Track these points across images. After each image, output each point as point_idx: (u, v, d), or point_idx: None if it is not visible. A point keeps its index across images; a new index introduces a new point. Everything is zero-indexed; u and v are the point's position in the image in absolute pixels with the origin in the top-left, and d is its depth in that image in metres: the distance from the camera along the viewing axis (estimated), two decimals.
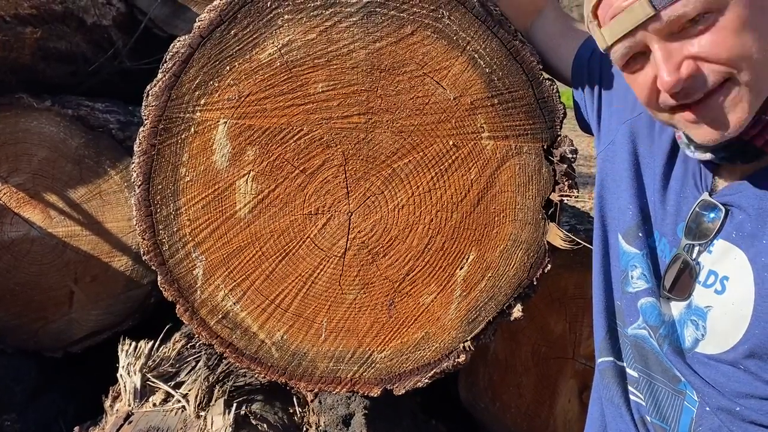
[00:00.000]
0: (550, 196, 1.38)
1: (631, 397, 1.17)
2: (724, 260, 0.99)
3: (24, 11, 1.91)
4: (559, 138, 1.37)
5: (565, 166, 1.37)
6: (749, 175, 0.99)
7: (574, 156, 1.37)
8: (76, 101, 2.07)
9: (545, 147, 1.37)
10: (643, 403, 1.13)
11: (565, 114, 1.37)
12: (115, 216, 2.00)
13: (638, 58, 0.95)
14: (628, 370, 1.19)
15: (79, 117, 1.98)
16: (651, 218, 1.14)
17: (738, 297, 0.96)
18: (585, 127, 1.38)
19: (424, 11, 1.31)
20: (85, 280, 2.03)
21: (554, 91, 1.35)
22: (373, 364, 1.46)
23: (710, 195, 1.02)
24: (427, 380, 1.45)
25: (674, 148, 1.10)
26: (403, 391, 1.46)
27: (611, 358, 1.22)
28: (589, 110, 1.31)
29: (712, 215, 1.01)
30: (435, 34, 1.32)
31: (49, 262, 2.00)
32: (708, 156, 1.00)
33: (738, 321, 0.96)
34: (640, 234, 1.14)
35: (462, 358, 1.43)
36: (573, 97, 1.38)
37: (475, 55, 1.33)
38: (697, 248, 1.03)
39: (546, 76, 1.35)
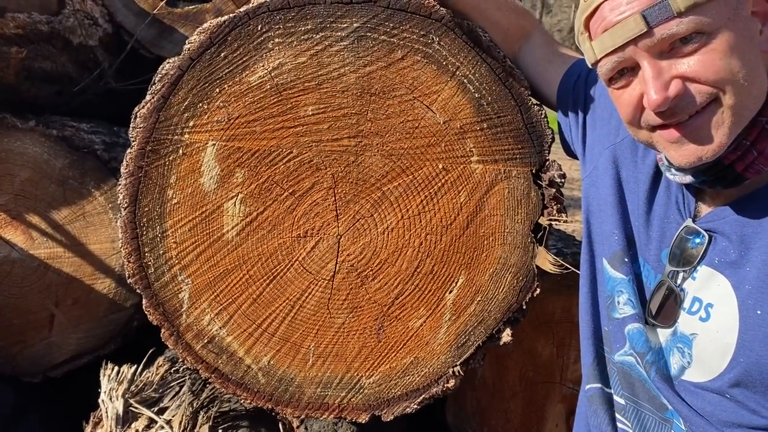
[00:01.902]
0: (539, 220, 1.38)
1: (619, 424, 1.16)
2: (708, 287, 0.99)
3: (10, 31, 1.89)
4: (547, 162, 1.38)
5: (554, 190, 1.37)
6: (732, 201, 0.99)
7: (563, 180, 1.37)
8: (61, 122, 2.05)
9: (534, 171, 1.38)
10: (631, 431, 1.12)
11: (553, 139, 1.38)
12: (99, 238, 1.97)
13: (625, 73, 0.95)
14: (615, 398, 1.18)
15: (63, 137, 1.96)
16: (635, 243, 1.14)
17: (722, 324, 0.96)
18: (570, 152, 1.39)
19: (414, 36, 1.32)
20: (67, 303, 1.99)
21: (542, 116, 1.37)
22: (362, 390, 1.44)
23: (693, 221, 1.03)
24: (416, 406, 1.44)
25: (657, 174, 1.11)
26: (392, 417, 1.44)
27: (599, 385, 1.21)
28: (574, 135, 1.32)
29: (695, 241, 1.01)
30: (425, 59, 1.33)
31: (30, 284, 1.96)
32: (688, 179, 1.00)
33: (723, 349, 0.96)
34: (626, 259, 1.14)
35: (451, 383, 1.42)
36: (558, 121, 1.39)
37: (465, 80, 1.34)
38: (681, 274, 1.03)
39: (534, 101, 1.37)
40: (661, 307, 1.06)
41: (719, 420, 0.98)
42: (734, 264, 0.96)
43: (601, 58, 0.95)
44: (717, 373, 0.98)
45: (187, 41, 1.33)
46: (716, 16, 0.86)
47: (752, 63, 0.88)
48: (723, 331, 0.96)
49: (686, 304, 1.02)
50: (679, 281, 1.04)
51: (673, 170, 1.02)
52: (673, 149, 0.94)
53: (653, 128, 0.95)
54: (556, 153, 1.54)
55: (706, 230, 1.00)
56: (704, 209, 1.04)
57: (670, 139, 0.93)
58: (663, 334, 1.07)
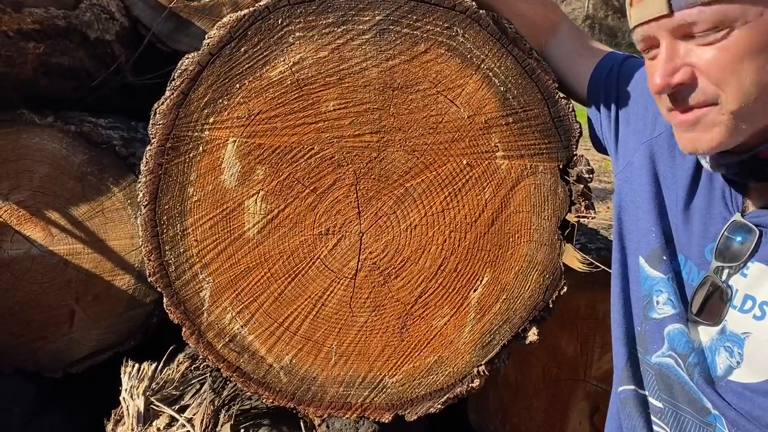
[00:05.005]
0: (567, 217, 1.35)
1: (655, 428, 1.13)
2: (763, 284, 0.96)
3: (27, 26, 1.88)
4: (575, 157, 1.34)
5: (582, 186, 1.34)
6: None
7: (591, 176, 1.34)
8: (79, 117, 2.03)
9: (561, 167, 1.34)
10: None
11: (581, 133, 1.34)
12: (118, 234, 1.96)
13: (653, 46, 0.95)
14: (652, 400, 1.15)
15: (82, 133, 1.95)
16: (674, 240, 1.11)
17: None
18: (600, 147, 1.36)
19: (438, 29, 1.28)
20: (87, 299, 1.98)
21: (570, 109, 1.33)
22: (385, 389, 1.42)
23: (742, 216, 0.99)
24: (440, 406, 1.41)
25: (698, 168, 1.08)
26: (415, 417, 1.42)
27: (632, 387, 1.18)
28: (606, 130, 1.28)
29: (744, 237, 0.98)
30: (449, 52, 1.29)
31: (50, 280, 1.96)
32: (722, 170, 0.98)
33: None
34: (665, 257, 1.11)
35: (476, 382, 1.39)
36: (588, 116, 1.36)
37: (490, 74, 1.30)
38: (727, 270, 1.00)
39: (561, 94, 1.33)
40: (705, 304, 1.03)
41: None
42: None
43: (633, 27, 0.97)
44: None
45: (206, 36, 1.31)
46: (741, 13, 0.83)
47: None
48: None
49: (737, 302, 0.99)
50: (724, 277, 1.00)
51: (707, 159, 1.01)
52: (677, 133, 0.96)
53: (669, 108, 0.95)
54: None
55: (756, 225, 0.97)
56: (751, 204, 1.00)
57: (675, 122, 0.94)
58: (708, 333, 1.04)
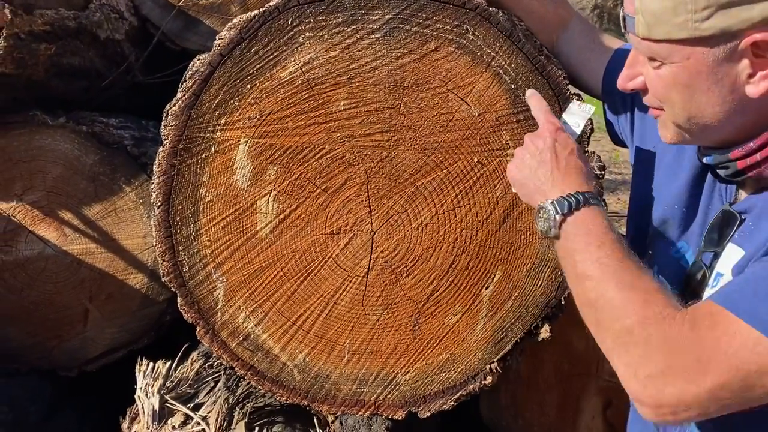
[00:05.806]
0: None
1: None
2: (727, 261, 0.99)
3: (38, 28, 1.89)
4: (585, 154, 1.34)
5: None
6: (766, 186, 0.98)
7: (603, 172, 1.34)
8: (91, 117, 2.04)
9: None
10: None
11: (592, 129, 1.34)
12: (130, 233, 1.97)
13: None
14: None
15: (93, 133, 1.96)
16: (671, 231, 1.13)
17: None
18: (618, 141, 1.36)
19: (448, 27, 1.28)
20: (100, 298, 2.00)
21: None
22: (398, 387, 1.43)
23: (731, 206, 1.02)
24: (452, 402, 1.42)
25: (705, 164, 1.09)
26: (428, 414, 1.43)
27: None
28: (623, 125, 1.29)
29: (729, 223, 1.01)
30: (459, 50, 1.29)
31: (64, 280, 1.98)
32: (705, 159, 1.03)
33: None
34: (650, 251, 1.15)
35: (488, 379, 1.40)
36: (604, 111, 1.36)
37: (500, 71, 1.30)
38: (711, 255, 1.03)
39: (572, 90, 1.33)
40: (695, 289, 1.05)
41: None
42: (750, 233, 0.96)
43: None
44: None
45: (217, 37, 1.32)
46: (667, 54, 0.91)
47: (702, 103, 0.92)
48: None
49: (710, 281, 1.02)
50: (708, 262, 1.03)
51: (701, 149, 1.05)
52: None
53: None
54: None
55: (739, 212, 1.00)
56: (744, 193, 1.02)
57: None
58: None
